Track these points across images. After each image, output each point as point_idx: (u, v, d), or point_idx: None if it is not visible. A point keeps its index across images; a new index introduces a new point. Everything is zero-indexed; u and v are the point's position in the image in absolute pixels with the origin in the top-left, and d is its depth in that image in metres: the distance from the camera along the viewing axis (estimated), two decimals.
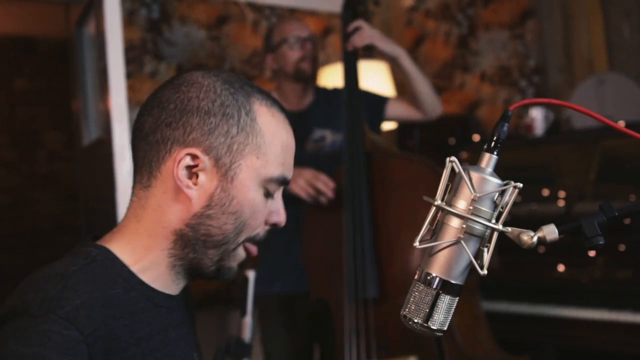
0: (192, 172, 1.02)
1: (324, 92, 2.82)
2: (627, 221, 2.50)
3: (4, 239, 5.72)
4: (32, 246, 5.84)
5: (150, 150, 1.04)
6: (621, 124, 2.79)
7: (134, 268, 1.03)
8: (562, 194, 2.81)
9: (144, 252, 1.04)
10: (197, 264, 1.06)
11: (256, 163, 1.04)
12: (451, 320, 0.93)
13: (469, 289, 2.29)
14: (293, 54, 2.68)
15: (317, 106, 2.74)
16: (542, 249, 2.65)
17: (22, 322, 0.90)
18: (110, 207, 2.70)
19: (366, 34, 2.51)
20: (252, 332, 1.94)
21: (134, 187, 1.08)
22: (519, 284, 2.76)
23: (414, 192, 2.30)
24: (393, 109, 2.72)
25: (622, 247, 2.54)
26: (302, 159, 2.63)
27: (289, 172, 1.09)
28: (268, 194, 1.07)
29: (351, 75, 2.52)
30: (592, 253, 2.58)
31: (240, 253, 1.09)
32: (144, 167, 1.05)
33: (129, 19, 3.49)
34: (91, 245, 1.04)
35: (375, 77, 3.56)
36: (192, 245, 1.04)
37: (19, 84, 5.93)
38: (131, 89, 3.44)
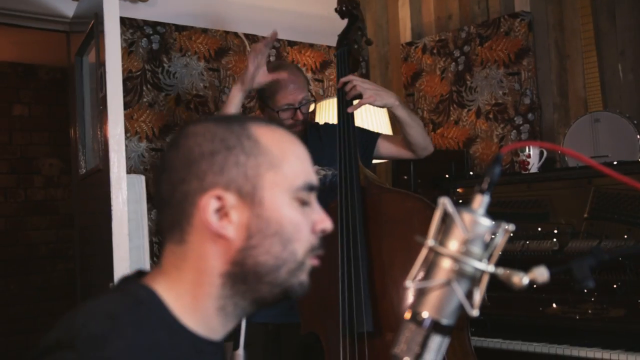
0: (222, 213, 1.01)
1: (315, 128, 2.84)
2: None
3: None
4: (26, 272, 5.82)
5: (176, 213, 1.04)
6: (614, 163, 2.81)
7: (179, 313, 1.02)
8: (555, 231, 2.82)
9: (189, 299, 1.03)
10: (255, 295, 1.04)
11: (276, 179, 1.03)
12: (444, 357, 0.93)
13: (460, 327, 2.29)
14: (284, 122, 2.66)
15: (308, 143, 2.75)
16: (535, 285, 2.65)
17: (67, 356, 0.90)
18: (106, 236, 2.70)
19: (365, 94, 2.52)
20: None
21: (165, 245, 1.07)
22: (513, 320, 2.76)
23: (408, 226, 2.32)
24: (384, 146, 2.76)
25: (615, 286, 2.55)
26: None
27: (311, 178, 1.08)
28: (304, 203, 1.06)
29: (346, 112, 2.55)
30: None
31: (309, 265, 1.07)
32: (174, 229, 1.04)
33: (129, 49, 3.52)
34: (139, 284, 1.03)
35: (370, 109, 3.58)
36: (242, 280, 1.03)
37: (18, 110, 5.95)
38: (129, 118, 3.46)
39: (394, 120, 2.82)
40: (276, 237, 1.02)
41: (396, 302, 2.26)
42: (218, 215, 1.01)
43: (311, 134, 2.79)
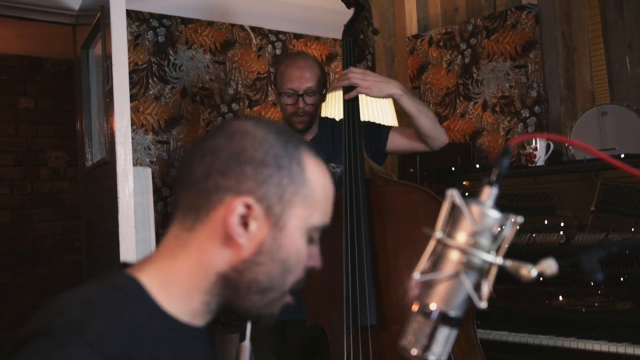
0: (244, 220, 1.02)
1: (330, 123, 2.82)
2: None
3: (5, 256, 5.71)
4: (33, 264, 5.83)
5: (200, 197, 1.04)
6: (621, 156, 2.80)
7: (161, 299, 1.02)
8: (562, 223, 2.82)
9: (176, 288, 1.04)
10: (236, 304, 1.07)
11: (304, 213, 1.05)
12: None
13: (466, 318, 2.29)
14: (287, 107, 2.68)
15: (321, 139, 2.75)
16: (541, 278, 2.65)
17: (46, 342, 0.90)
18: (112, 228, 2.70)
19: (360, 84, 2.49)
20: (250, 357, 1.94)
21: (171, 226, 1.08)
22: (519, 313, 2.75)
23: (413, 219, 2.30)
24: (396, 140, 2.70)
25: (622, 279, 2.54)
26: None
27: (328, 221, 1.10)
28: (311, 241, 1.08)
29: (350, 103, 2.52)
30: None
31: (285, 300, 1.10)
32: (189, 212, 1.05)
33: (135, 42, 3.52)
34: (118, 273, 1.04)
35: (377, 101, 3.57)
36: (234, 287, 1.04)
37: (24, 103, 5.95)
38: (135, 111, 3.46)
39: (401, 112, 2.78)
40: (280, 264, 1.05)
41: (400, 295, 2.25)
42: (240, 220, 1.02)
43: (325, 130, 2.78)
